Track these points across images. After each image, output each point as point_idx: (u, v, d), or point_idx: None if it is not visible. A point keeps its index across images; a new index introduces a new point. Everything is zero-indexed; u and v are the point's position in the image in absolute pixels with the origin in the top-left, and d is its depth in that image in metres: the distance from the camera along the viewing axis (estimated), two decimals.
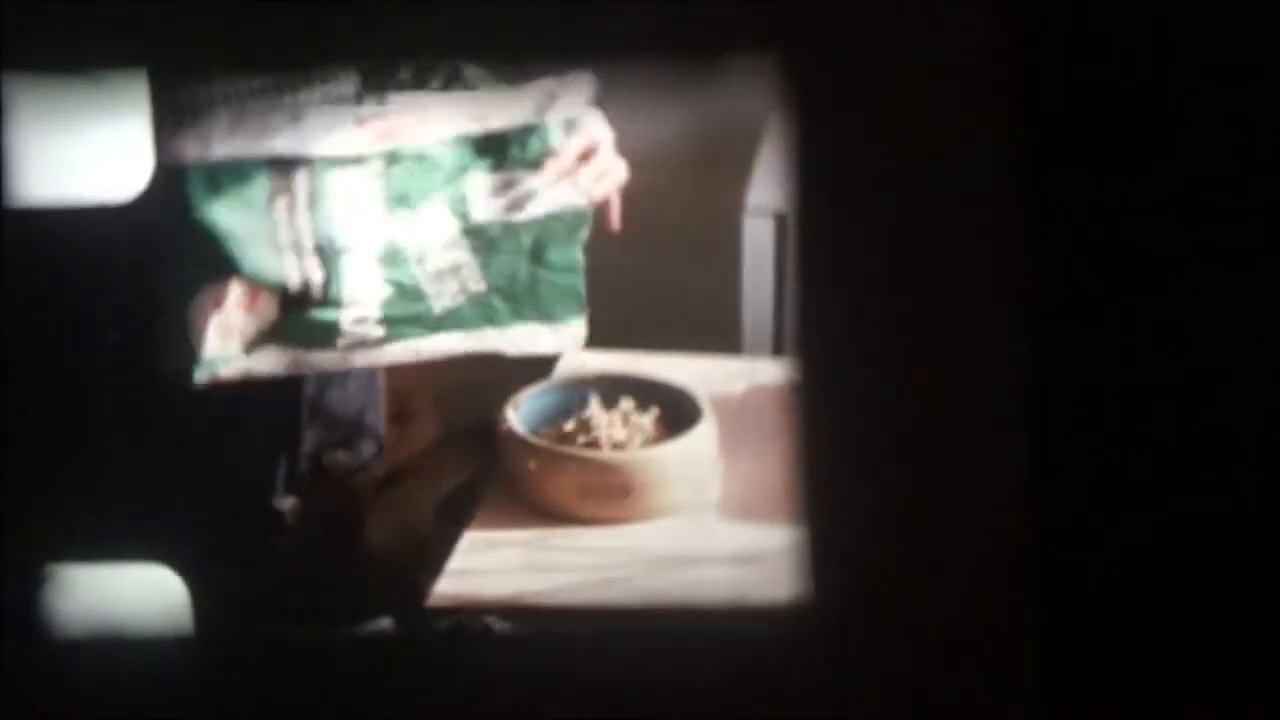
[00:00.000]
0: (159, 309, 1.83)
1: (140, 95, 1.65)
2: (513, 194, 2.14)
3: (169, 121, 1.88)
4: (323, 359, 2.06)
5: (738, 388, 2.44)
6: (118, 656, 1.07)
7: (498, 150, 2.09)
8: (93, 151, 1.48)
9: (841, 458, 1.02)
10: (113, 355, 1.50)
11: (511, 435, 2.23)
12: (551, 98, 2.12)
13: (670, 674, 1.06)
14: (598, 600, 2.09)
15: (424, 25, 0.98)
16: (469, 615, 2.13)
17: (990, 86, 0.97)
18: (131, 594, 1.28)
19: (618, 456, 2.20)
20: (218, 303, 1.96)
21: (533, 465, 2.20)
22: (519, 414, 2.28)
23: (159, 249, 1.90)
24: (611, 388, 2.38)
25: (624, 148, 2.27)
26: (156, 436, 1.65)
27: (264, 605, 2.19)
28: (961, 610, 1.04)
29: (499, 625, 1.85)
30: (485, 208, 2.14)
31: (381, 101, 2.02)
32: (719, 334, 2.76)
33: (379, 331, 2.07)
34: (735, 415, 2.31)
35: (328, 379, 2.13)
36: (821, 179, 0.98)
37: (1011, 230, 0.99)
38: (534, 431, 2.26)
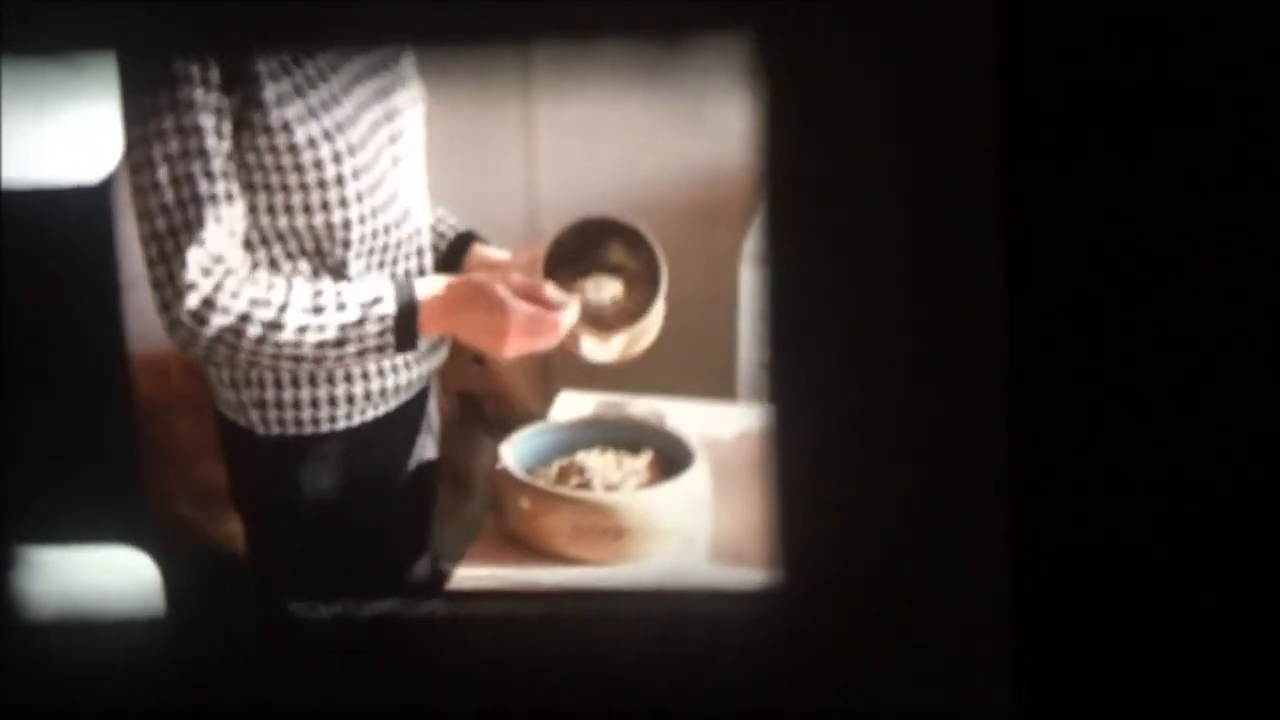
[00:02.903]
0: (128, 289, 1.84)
1: (109, 77, 1.66)
2: None
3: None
4: None
5: (730, 433, 2.46)
6: (89, 639, 1.08)
7: None
8: (62, 133, 1.48)
9: (816, 445, 1.03)
10: (83, 336, 1.50)
11: (506, 474, 2.24)
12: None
13: (647, 656, 1.07)
14: (575, 584, 2.11)
15: (387, 8, 0.98)
16: (450, 598, 2.15)
17: (971, 72, 0.98)
18: (103, 576, 1.29)
19: (610, 498, 2.20)
20: None
21: (526, 504, 2.20)
22: (514, 453, 2.29)
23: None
24: (606, 430, 2.40)
25: (628, 196, 2.29)
26: (127, 417, 1.65)
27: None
28: (937, 595, 1.05)
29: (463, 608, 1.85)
30: None
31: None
32: (714, 380, 2.78)
33: None
34: (727, 460, 2.32)
35: None
36: (795, 163, 1.00)
37: (987, 221, 1.01)
38: (528, 471, 2.27)
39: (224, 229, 1.98)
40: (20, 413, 1.17)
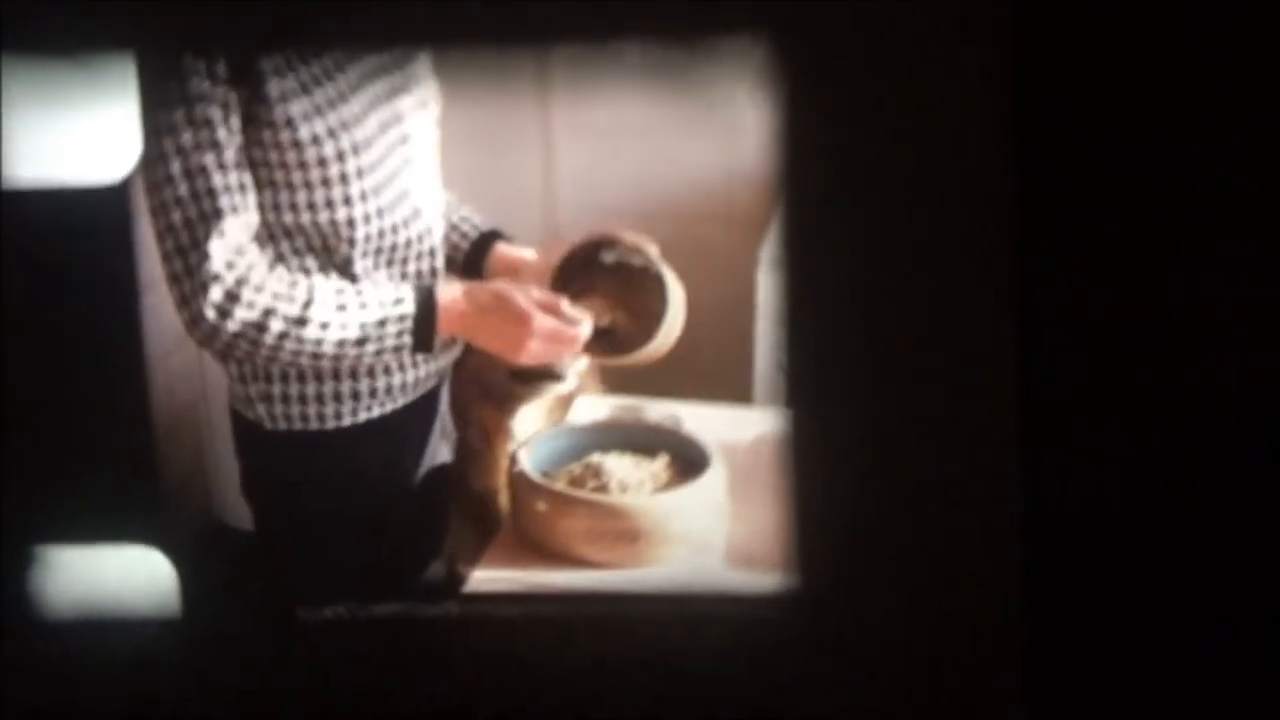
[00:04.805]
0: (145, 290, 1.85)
1: (128, 79, 1.66)
2: None
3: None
4: None
5: (747, 436, 2.46)
6: (105, 638, 1.08)
7: None
8: (80, 134, 1.48)
9: (832, 449, 1.03)
10: (100, 336, 1.50)
11: (522, 477, 2.24)
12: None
13: (663, 658, 1.07)
14: (591, 587, 2.11)
15: (405, 9, 0.99)
16: (464, 600, 2.16)
17: (986, 76, 0.99)
18: (119, 575, 1.29)
19: (626, 501, 2.20)
20: None
21: (542, 507, 2.20)
22: (531, 457, 2.29)
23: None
24: (622, 433, 2.40)
25: (644, 200, 2.29)
26: (144, 417, 1.65)
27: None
28: (950, 599, 1.05)
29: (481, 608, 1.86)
30: None
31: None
32: (731, 383, 2.78)
33: None
34: (744, 463, 2.32)
35: None
36: (812, 167, 1.00)
37: (1001, 229, 1.01)
38: (545, 474, 2.27)
39: (240, 221, 1.98)
40: (37, 413, 1.17)
